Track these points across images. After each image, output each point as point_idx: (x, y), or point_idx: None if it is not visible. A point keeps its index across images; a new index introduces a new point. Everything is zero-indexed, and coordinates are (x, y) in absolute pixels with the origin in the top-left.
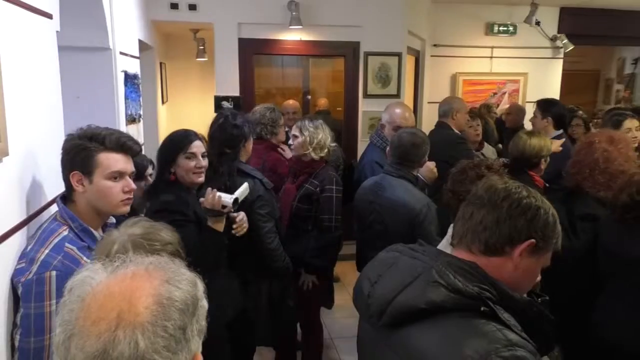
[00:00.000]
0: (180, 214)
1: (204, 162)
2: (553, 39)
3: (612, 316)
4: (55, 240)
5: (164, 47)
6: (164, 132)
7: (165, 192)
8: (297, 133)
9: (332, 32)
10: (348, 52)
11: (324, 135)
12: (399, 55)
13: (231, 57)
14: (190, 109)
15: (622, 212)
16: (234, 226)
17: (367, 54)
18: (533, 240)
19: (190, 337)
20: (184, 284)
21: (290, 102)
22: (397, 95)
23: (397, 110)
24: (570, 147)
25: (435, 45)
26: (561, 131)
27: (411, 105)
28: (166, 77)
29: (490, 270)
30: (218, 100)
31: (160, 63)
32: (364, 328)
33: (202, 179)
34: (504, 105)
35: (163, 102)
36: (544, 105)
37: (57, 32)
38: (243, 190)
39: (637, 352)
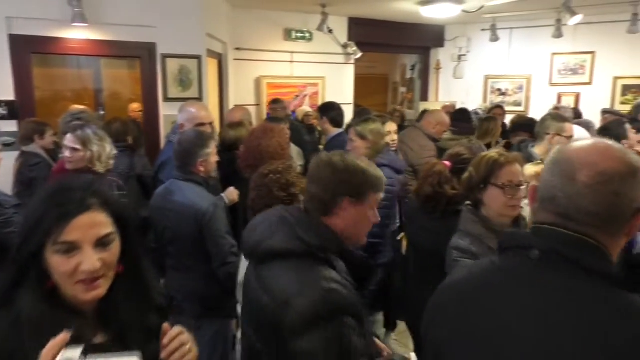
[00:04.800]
0: None
1: None
2: (344, 46)
3: (421, 302)
4: None
5: None
6: None
7: None
8: (77, 146)
9: (124, 31)
10: (143, 53)
11: (110, 147)
12: (198, 58)
13: (0, 56)
14: None
15: (424, 202)
16: None
17: (164, 56)
18: (347, 196)
19: None
20: None
21: (80, 107)
22: (200, 99)
23: (193, 109)
24: None
25: (237, 48)
26: (341, 130)
27: (217, 109)
28: None
29: (332, 225)
30: None
31: None
32: (247, 267)
33: None
34: (306, 107)
35: None
36: (323, 109)
37: None
38: None
39: None
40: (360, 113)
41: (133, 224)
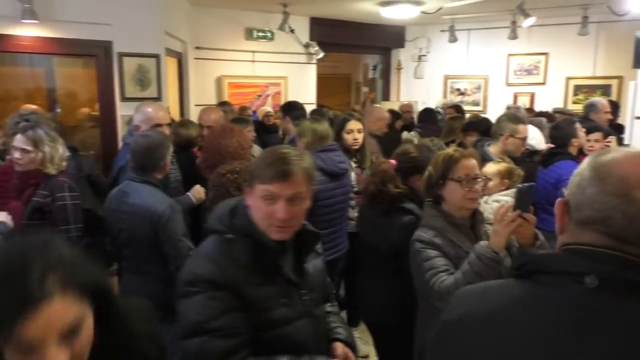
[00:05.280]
0: None
1: None
2: (306, 46)
3: (371, 296)
4: None
5: None
6: None
7: None
8: (28, 147)
9: (78, 29)
10: (99, 52)
11: (62, 148)
12: (156, 56)
13: None
14: None
15: (369, 199)
16: None
17: (121, 55)
18: (247, 183)
19: None
20: None
21: (32, 107)
22: (159, 98)
23: (150, 109)
24: None
25: (198, 47)
26: None
27: (177, 108)
28: None
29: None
30: None
31: None
32: None
33: None
34: (266, 107)
35: None
36: (285, 108)
37: None
38: None
39: (393, 325)
40: (314, 112)
41: (110, 292)
